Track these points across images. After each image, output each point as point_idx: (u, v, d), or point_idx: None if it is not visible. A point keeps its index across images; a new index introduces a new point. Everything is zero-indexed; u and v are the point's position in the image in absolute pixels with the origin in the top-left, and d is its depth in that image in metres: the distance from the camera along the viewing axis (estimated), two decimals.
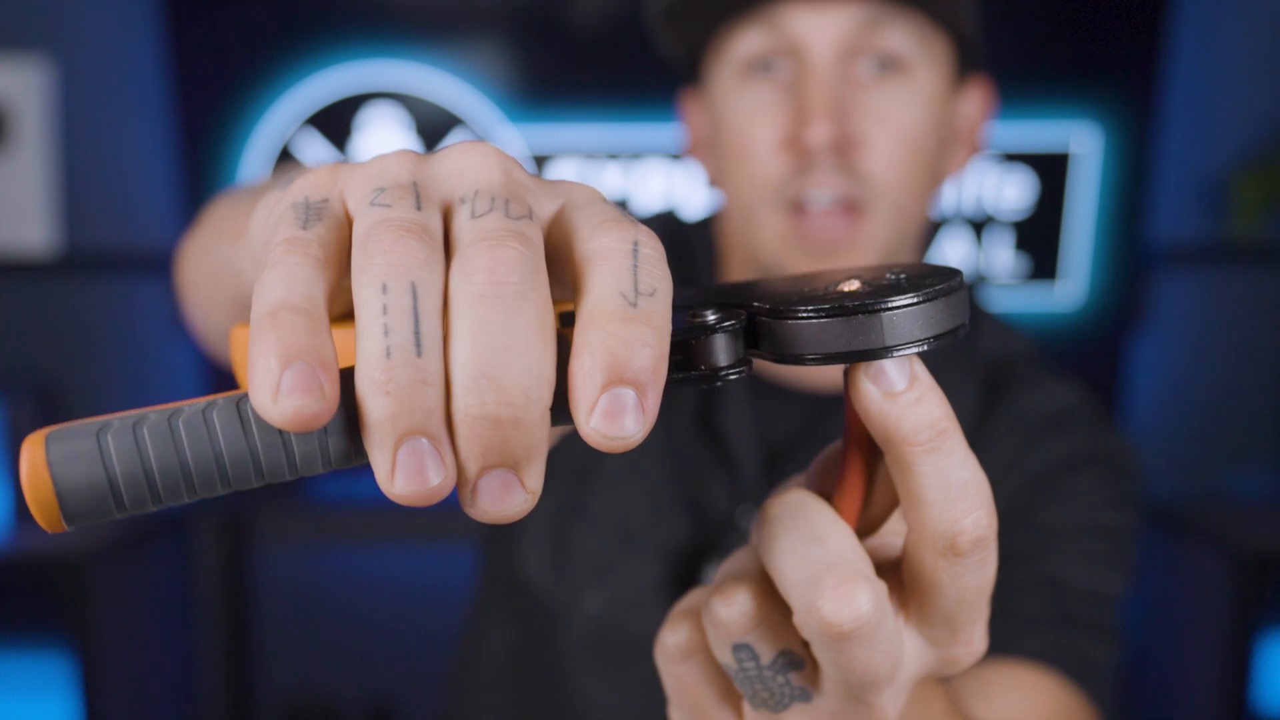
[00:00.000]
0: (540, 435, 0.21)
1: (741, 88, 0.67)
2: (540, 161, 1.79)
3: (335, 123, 1.78)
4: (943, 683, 0.36)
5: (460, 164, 0.24)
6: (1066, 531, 0.67)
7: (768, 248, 0.67)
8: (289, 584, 1.98)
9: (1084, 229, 1.80)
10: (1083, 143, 1.77)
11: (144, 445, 0.21)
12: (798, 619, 0.25)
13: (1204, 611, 1.72)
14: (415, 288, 0.21)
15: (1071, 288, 1.82)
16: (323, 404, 0.20)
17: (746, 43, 0.66)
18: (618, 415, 0.21)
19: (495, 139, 1.78)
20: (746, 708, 0.29)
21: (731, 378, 0.24)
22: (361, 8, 1.78)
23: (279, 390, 0.20)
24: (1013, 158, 1.78)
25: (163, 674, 1.87)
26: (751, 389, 0.72)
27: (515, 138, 1.79)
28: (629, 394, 0.21)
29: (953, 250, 1.80)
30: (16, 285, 1.89)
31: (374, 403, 0.20)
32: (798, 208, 0.65)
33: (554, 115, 1.78)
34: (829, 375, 0.73)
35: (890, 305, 0.23)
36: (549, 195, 0.24)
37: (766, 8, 0.64)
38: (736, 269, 0.74)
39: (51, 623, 1.62)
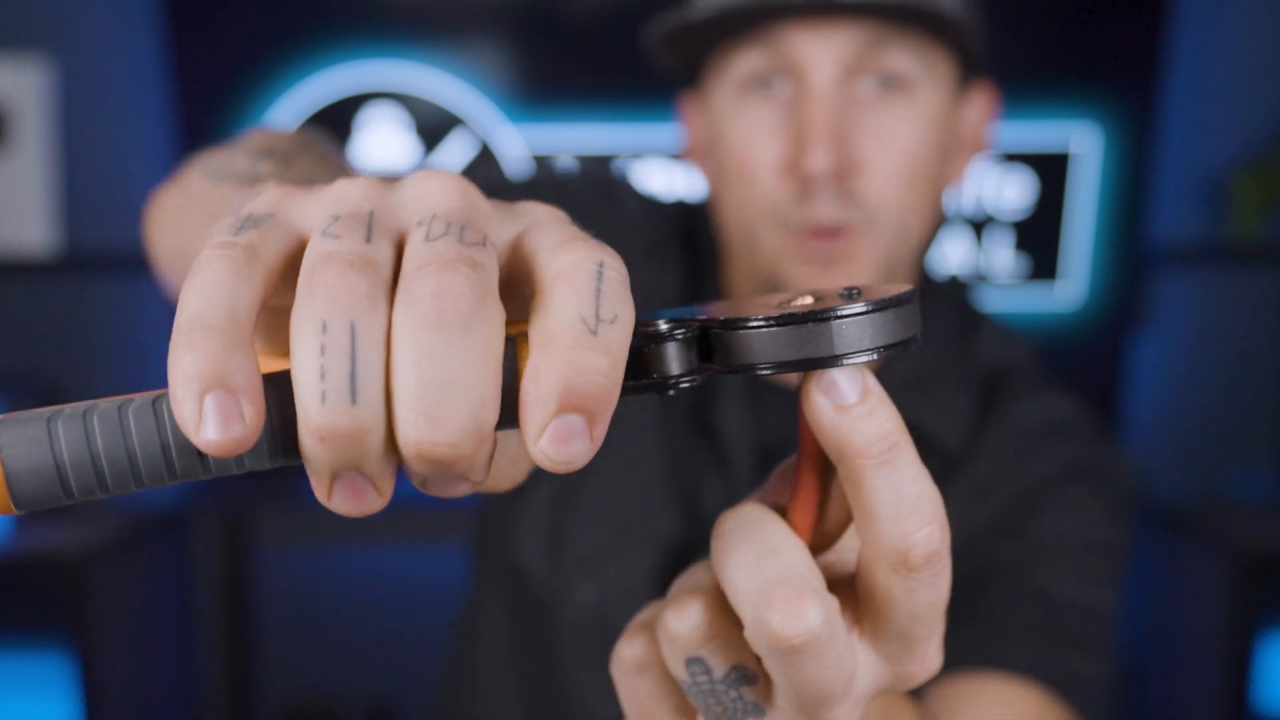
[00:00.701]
0: (481, 460, 0.21)
1: (741, 104, 0.66)
2: (540, 161, 1.79)
3: (335, 123, 1.78)
4: (912, 695, 0.36)
5: (419, 190, 0.24)
6: (1058, 545, 0.67)
7: (768, 262, 0.68)
8: (289, 584, 1.98)
9: (1084, 229, 1.80)
10: (1083, 143, 1.77)
11: (93, 433, 0.22)
12: (748, 632, 0.25)
13: (1204, 611, 1.72)
14: (354, 327, 0.20)
15: (1071, 288, 1.82)
16: (244, 431, 0.20)
17: (746, 62, 0.65)
18: (566, 441, 0.21)
19: (494, 139, 1.79)
20: None
21: (684, 385, 0.25)
22: (361, 8, 1.78)
23: (201, 421, 0.20)
24: (1013, 158, 1.78)
25: (163, 674, 1.87)
26: (747, 388, 0.73)
27: (515, 138, 1.79)
28: (578, 421, 0.21)
29: (953, 250, 1.80)
30: (16, 285, 1.89)
31: (311, 446, 0.20)
32: (798, 233, 0.66)
33: (554, 115, 1.78)
34: None
35: (839, 314, 0.24)
36: (510, 220, 0.24)
37: (766, 28, 0.64)
38: (739, 273, 0.74)
39: (51, 623, 1.62)
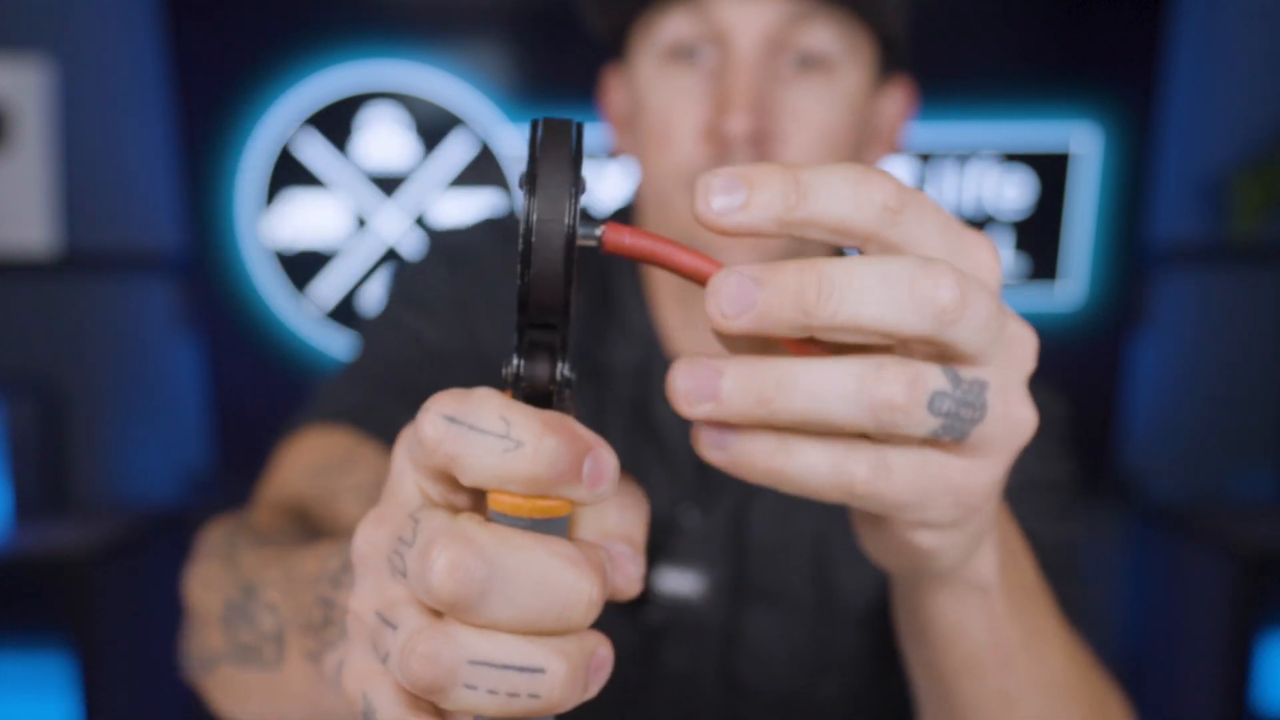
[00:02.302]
0: None
1: (665, 73, 0.67)
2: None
3: (335, 123, 1.78)
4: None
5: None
6: (1019, 492, 0.68)
7: (681, 227, 0.68)
8: None
9: (1084, 229, 1.80)
10: (1083, 143, 1.77)
11: None
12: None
13: (1204, 611, 1.73)
14: None
15: (1071, 288, 1.82)
16: None
17: (673, 27, 0.66)
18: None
19: (494, 139, 1.79)
20: None
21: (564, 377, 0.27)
22: (361, 8, 1.78)
23: None
24: (1013, 158, 1.78)
25: (163, 673, 1.87)
26: None
27: (515, 138, 1.79)
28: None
29: None
30: (16, 285, 1.89)
31: None
32: None
33: (553, 115, 1.78)
34: None
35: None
36: None
37: None
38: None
39: (51, 623, 1.62)
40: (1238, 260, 1.89)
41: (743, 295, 0.25)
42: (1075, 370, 1.83)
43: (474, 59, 1.78)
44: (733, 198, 0.26)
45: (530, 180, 0.26)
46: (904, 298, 0.25)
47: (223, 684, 0.48)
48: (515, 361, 0.27)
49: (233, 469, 1.87)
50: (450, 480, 0.28)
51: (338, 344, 1.84)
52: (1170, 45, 1.74)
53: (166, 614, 1.90)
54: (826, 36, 0.65)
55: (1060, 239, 1.80)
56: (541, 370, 0.27)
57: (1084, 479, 0.73)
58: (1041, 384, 0.74)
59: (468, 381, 0.69)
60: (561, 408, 0.27)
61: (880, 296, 0.25)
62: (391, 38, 1.77)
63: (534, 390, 0.27)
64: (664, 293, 0.75)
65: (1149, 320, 1.89)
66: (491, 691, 0.24)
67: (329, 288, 1.83)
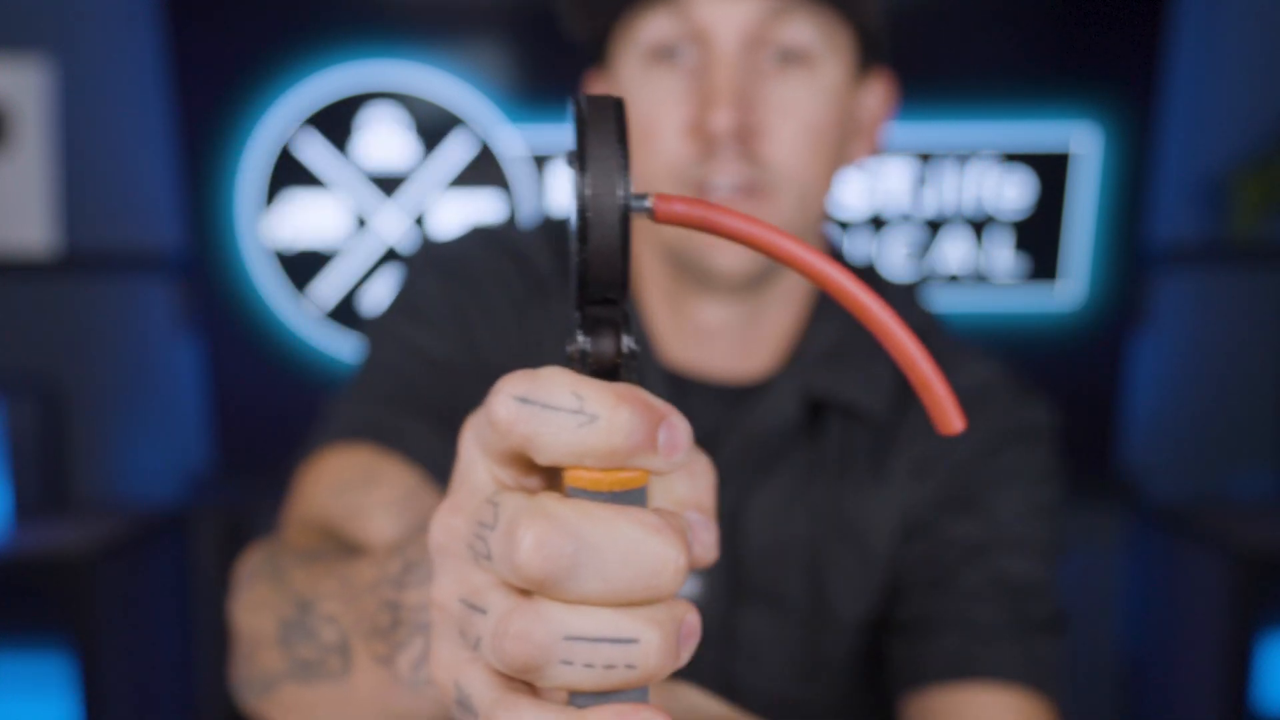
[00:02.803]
0: None
1: (647, 74, 0.67)
2: (540, 161, 1.79)
3: (335, 123, 1.78)
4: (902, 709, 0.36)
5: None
6: (1008, 518, 0.69)
7: (671, 230, 0.68)
8: None
9: (1084, 229, 1.80)
10: (1083, 143, 1.77)
11: None
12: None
13: (1204, 612, 1.73)
14: None
15: (1071, 288, 1.82)
16: None
17: (653, 28, 0.66)
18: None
19: (494, 139, 1.79)
20: None
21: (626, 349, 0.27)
22: (361, 8, 1.78)
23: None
24: (1013, 158, 1.78)
25: (163, 674, 1.87)
26: (666, 384, 0.73)
27: (515, 138, 1.79)
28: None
29: (952, 250, 1.81)
30: (16, 285, 1.89)
31: None
32: (700, 192, 0.66)
33: (554, 115, 1.78)
34: (739, 366, 0.73)
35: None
36: None
37: None
38: (639, 245, 0.75)
39: (51, 623, 1.62)
40: (1237, 260, 1.89)
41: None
42: (1075, 370, 1.83)
43: (474, 59, 1.78)
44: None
45: (580, 156, 0.26)
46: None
47: (285, 704, 0.48)
48: (580, 338, 0.27)
49: (233, 469, 1.87)
50: (522, 463, 0.28)
51: (338, 344, 1.84)
52: (1170, 45, 1.74)
53: (166, 614, 1.90)
54: (806, 30, 0.65)
55: (1060, 239, 1.80)
56: (607, 345, 0.27)
57: (1083, 479, 0.74)
58: (1032, 393, 0.74)
59: (473, 389, 0.69)
60: (629, 380, 0.27)
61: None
62: (391, 38, 1.77)
63: (601, 365, 0.27)
64: (652, 293, 0.75)
65: (1149, 320, 1.89)
66: (588, 665, 0.24)
67: (329, 288, 1.83)
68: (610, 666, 0.24)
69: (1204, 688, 1.73)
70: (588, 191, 0.25)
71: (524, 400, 0.25)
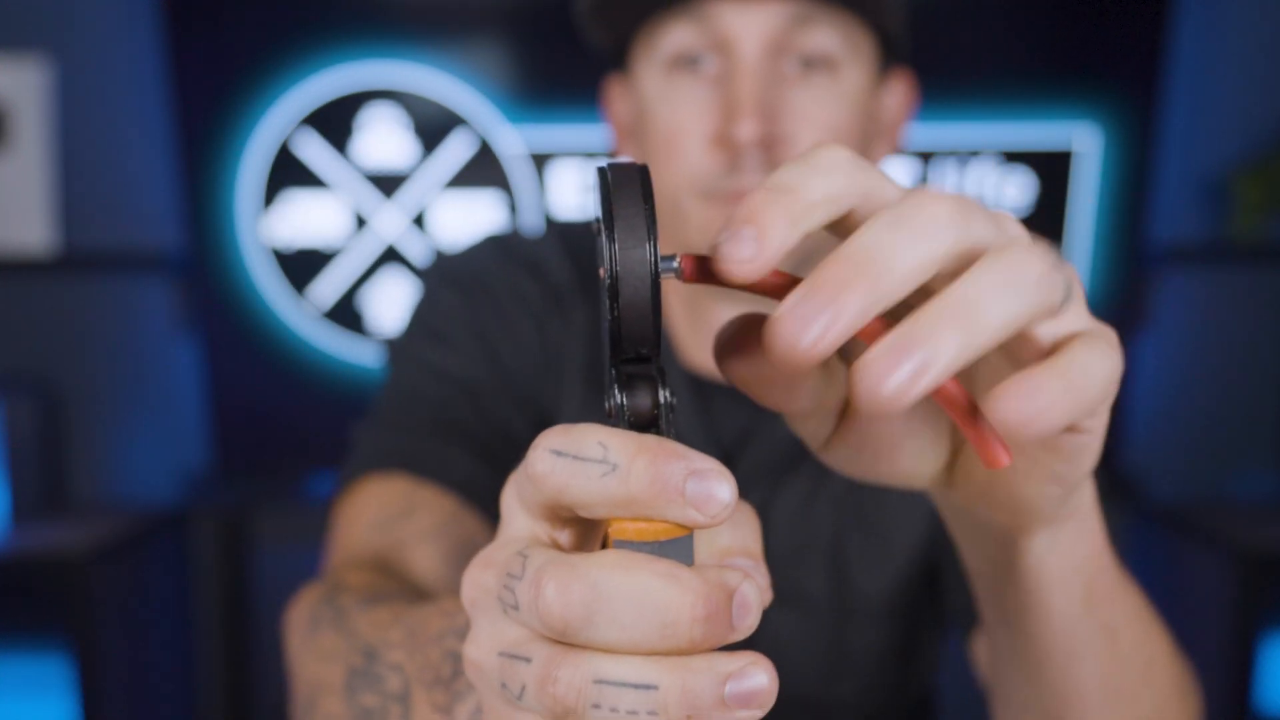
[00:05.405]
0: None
1: (670, 82, 0.67)
2: (540, 161, 1.79)
3: (335, 123, 1.78)
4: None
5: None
6: None
7: (696, 236, 0.68)
8: (289, 584, 1.97)
9: (1084, 229, 1.80)
10: (1083, 142, 1.77)
11: None
12: None
13: (1205, 612, 1.72)
14: None
15: None
16: None
17: (675, 37, 0.66)
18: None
19: (494, 139, 1.78)
20: None
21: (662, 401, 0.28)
22: (361, 8, 1.78)
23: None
24: (1013, 157, 1.78)
25: (163, 674, 1.87)
26: (695, 390, 0.73)
27: (515, 138, 1.79)
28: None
29: None
30: (16, 285, 1.89)
31: None
32: (726, 203, 0.66)
33: (554, 115, 1.78)
34: None
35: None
36: None
37: (696, 4, 0.65)
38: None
39: (49, 623, 1.62)
40: (1238, 260, 1.89)
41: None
42: None
43: (474, 59, 1.78)
44: (743, 248, 0.26)
45: (608, 223, 0.27)
46: (1011, 283, 0.27)
47: None
48: (617, 396, 0.28)
49: (231, 469, 1.87)
50: (559, 518, 0.28)
51: (337, 344, 1.84)
52: (1170, 45, 1.74)
53: (165, 614, 1.90)
54: (828, 37, 0.65)
55: (1061, 239, 1.80)
56: (643, 400, 0.28)
57: None
58: None
59: (497, 406, 0.69)
60: (667, 433, 0.28)
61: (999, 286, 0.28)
62: (391, 38, 1.77)
63: (638, 419, 0.28)
64: (671, 300, 0.75)
65: (1149, 320, 1.89)
66: (613, 710, 0.25)
67: (328, 287, 1.83)
68: (633, 713, 0.25)
69: (1206, 688, 1.72)
70: (618, 257, 0.27)
71: (558, 453, 0.26)
